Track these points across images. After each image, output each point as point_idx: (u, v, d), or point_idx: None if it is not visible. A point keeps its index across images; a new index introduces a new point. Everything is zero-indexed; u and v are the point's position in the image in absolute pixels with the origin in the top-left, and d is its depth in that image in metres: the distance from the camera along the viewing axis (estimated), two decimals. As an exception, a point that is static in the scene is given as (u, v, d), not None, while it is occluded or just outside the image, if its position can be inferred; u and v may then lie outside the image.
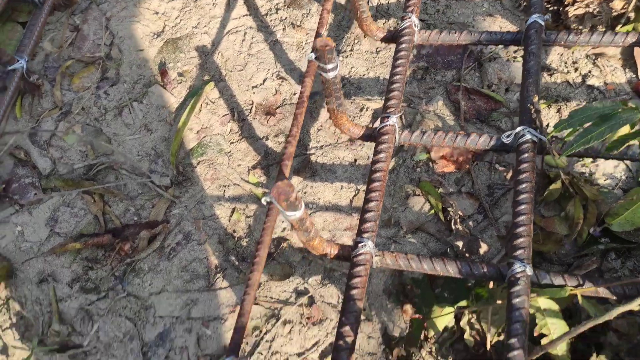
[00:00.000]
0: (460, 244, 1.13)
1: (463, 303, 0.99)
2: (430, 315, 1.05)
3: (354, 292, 0.88)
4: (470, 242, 1.12)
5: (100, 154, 1.37)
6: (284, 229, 1.24)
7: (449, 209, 1.15)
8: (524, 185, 0.90)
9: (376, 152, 1.00)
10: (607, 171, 1.10)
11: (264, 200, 0.81)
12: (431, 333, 1.06)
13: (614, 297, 0.85)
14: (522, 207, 0.89)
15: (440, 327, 1.05)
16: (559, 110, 1.23)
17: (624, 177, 1.10)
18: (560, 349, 0.88)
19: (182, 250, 1.26)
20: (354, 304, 0.87)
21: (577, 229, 0.99)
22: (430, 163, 1.23)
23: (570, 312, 1.00)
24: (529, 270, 0.84)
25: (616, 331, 0.96)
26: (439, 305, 1.05)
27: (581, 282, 0.85)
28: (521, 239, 0.87)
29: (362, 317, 1.11)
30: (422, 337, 1.06)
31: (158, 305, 1.21)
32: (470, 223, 1.15)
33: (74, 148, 1.38)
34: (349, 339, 0.85)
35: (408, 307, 1.08)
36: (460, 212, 1.15)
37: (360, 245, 0.92)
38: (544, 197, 1.05)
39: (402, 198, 1.21)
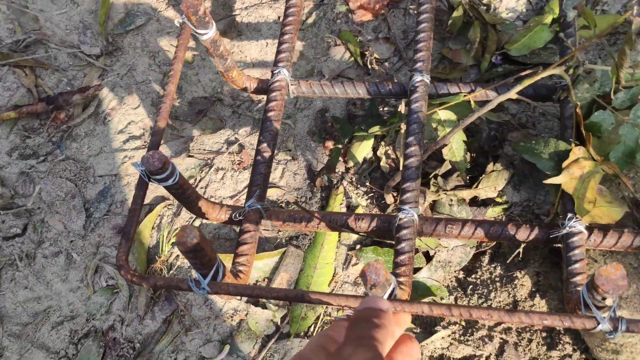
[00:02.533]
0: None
1: (376, 128, 1.07)
2: (351, 147, 1.14)
3: (270, 114, 0.95)
4: (386, 80, 1.19)
5: (28, 30, 1.38)
6: (214, 87, 1.29)
7: (366, 52, 1.21)
8: (425, 6, 0.97)
9: (289, -10, 1.05)
10: (510, 5, 1.18)
11: (177, 22, 0.86)
12: (350, 164, 1.14)
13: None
14: (423, 25, 0.96)
15: (360, 158, 1.14)
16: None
17: (524, 10, 1.18)
18: (458, 154, 0.98)
19: (117, 115, 1.30)
20: (270, 124, 0.94)
21: (474, 47, 1.07)
22: (350, 14, 1.28)
23: (473, 132, 1.10)
24: (427, 79, 0.92)
25: (511, 142, 1.06)
26: (358, 139, 1.13)
27: (473, 88, 0.94)
28: (421, 53, 0.94)
29: (289, 157, 1.19)
30: (343, 168, 1.15)
31: (97, 165, 1.26)
32: (387, 64, 1.22)
33: (1, 25, 1.38)
34: (267, 154, 0.92)
35: (329, 143, 1.16)
36: (377, 55, 1.21)
37: (275, 72, 0.98)
38: (449, 27, 1.13)
39: (323, 49, 1.27)
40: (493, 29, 1.10)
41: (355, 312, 0.52)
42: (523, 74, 0.86)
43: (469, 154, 1.08)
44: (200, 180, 1.21)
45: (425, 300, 1.03)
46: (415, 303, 0.62)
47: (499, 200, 1.05)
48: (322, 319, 1.07)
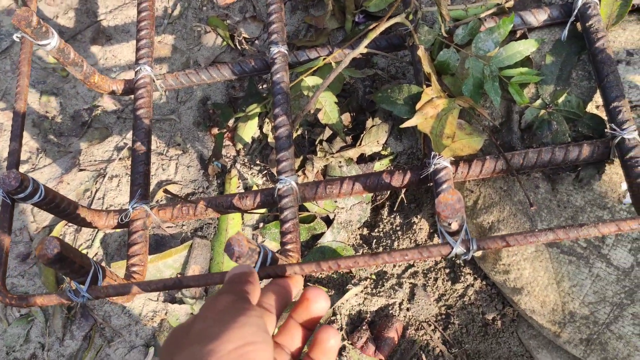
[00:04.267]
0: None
1: (254, 106, 1.09)
2: (237, 129, 1.14)
3: (139, 112, 0.95)
4: (248, 57, 1.20)
5: None
6: (94, 97, 1.27)
7: (235, 34, 1.22)
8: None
9: (137, -14, 1.03)
10: (363, -36, 1.21)
11: (15, 37, 0.84)
12: (239, 146, 1.15)
13: (359, 54, 0.96)
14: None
15: (247, 139, 1.15)
16: None
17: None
18: (333, 117, 1.00)
19: (0, 143, 1.27)
20: (141, 122, 0.94)
21: (328, 10, 1.09)
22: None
23: (350, 92, 1.13)
24: (284, 49, 0.93)
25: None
26: (242, 120, 1.14)
27: (331, 50, 0.96)
28: (274, 25, 0.95)
29: (180, 152, 1.19)
30: (234, 152, 1.16)
31: (-12, 198, 1.22)
32: (257, 42, 1.23)
33: None
34: (142, 152, 0.92)
35: (215, 130, 1.17)
36: (246, 35, 1.22)
37: (137, 70, 0.97)
38: (306, -4, 1.15)
39: (195, 38, 1.27)
40: (348, -10, 1.12)
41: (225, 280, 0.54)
42: (370, 27, 0.88)
43: (348, 113, 1.11)
44: (96, 192, 1.19)
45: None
46: (287, 265, 0.64)
47: (384, 153, 1.08)
48: (240, 302, 1.09)
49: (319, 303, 0.54)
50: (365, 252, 1.08)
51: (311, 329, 0.55)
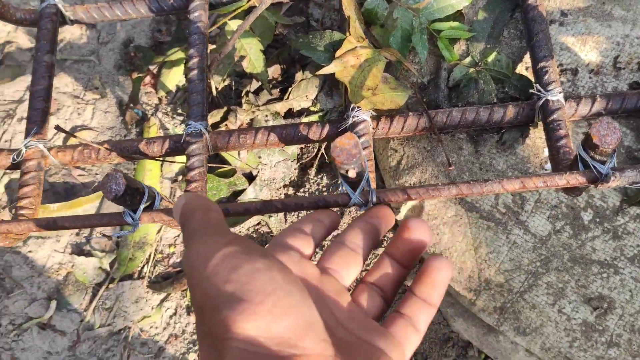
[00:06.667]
0: None
1: (175, 50, 1.01)
2: (161, 76, 1.07)
3: (41, 43, 0.86)
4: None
5: None
6: (8, 32, 1.17)
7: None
8: None
9: None
10: None
11: None
12: (162, 94, 1.08)
13: None
14: None
15: (171, 87, 1.08)
16: None
17: None
18: (258, 66, 0.94)
19: None
20: (42, 55, 0.86)
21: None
22: None
23: (282, 43, 1.07)
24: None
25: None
26: (167, 67, 1.07)
27: (257, -9, 0.89)
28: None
29: (97, 96, 1.11)
30: (157, 100, 1.09)
31: None
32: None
33: None
34: (42, 88, 0.84)
35: (135, 74, 1.09)
36: None
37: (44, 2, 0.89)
38: None
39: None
40: None
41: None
42: (297, -33, 0.82)
43: (278, 65, 1.05)
44: (3, 133, 1.10)
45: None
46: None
47: (313, 109, 1.03)
48: (153, 258, 1.03)
49: (420, 234, 0.47)
50: (290, 213, 1.03)
51: (408, 267, 0.49)
